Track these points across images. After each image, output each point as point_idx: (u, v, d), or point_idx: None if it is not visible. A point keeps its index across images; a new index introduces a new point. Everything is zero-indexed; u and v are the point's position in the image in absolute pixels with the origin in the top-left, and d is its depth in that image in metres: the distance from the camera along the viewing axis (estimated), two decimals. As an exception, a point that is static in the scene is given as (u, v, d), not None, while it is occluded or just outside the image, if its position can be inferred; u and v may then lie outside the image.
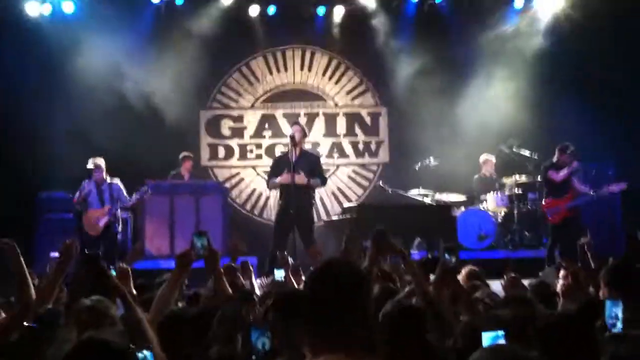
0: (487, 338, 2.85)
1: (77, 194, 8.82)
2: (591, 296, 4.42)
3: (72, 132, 10.05)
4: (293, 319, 2.95)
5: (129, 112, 10.61)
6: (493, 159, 10.46)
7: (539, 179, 9.63)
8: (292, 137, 8.28)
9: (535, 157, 9.94)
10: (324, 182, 8.60)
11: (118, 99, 10.56)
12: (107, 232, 8.74)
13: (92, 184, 8.79)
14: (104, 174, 8.81)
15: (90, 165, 8.74)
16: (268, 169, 9.05)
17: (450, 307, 3.88)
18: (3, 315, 3.64)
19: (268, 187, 8.97)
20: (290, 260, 5.98)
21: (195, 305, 4.10)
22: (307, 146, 9.06)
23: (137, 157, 10.00)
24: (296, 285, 5.09)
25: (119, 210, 8.89)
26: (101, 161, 8.81)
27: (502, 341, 2.85)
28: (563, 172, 8.73)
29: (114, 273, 4.04)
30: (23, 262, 3.80)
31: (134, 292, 4.27)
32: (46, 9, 10.68)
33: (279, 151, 10.99)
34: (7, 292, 4.60)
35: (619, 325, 3.40)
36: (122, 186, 8.91)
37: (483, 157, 10.49)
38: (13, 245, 3.80)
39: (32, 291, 3.76)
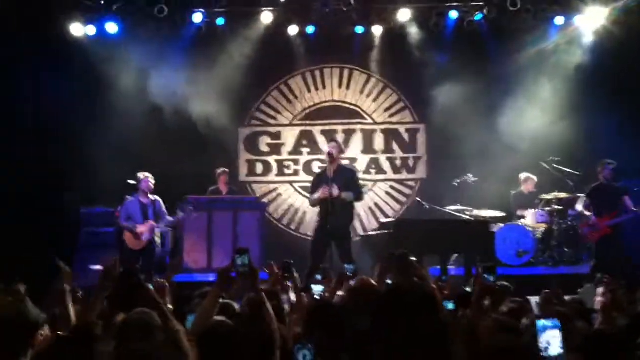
0: (542, 324, 2.88)
1: (121, 209, 8.99)
2: (636, 312, 4.35)
3: (114, 149, 10.27)
4: (333, 331, 2.95)
5: (170, 129, 10.82)
6: (535, 178, 10.34)
7: (579, 195, 9.56)
8: (330, 154, 8.37)
9: (577, 173, 9.84)
10: (358, 196, 8.56)
11: (159, 117, 10.77)
12: (148, 246, 8.89)
13: (136, 201, 8.95)
14: (151, 184, 8.97)
15: (140, 176, 8.93)
16: (305, 185, 9.10)
17: (488, 327, 3.80)
18: (48, 330, 3.71)
19: (310, 204, 9.00)
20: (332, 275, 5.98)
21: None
22: (345, 162, 9.07)
23: (177, 174, 10.19)
24: (336, 297, 5.02)
25: (160, 227, 9.03)
26: (149, 175, 9.00)
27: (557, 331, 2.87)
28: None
29: (151, 287, 4.08)
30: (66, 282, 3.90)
31: (170, 306, 4.30)
32: (90, 30, 10.95)
33: (316, 167, 11.06)
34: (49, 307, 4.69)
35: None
36: (162, 204, 9.06)
37: (524, 176, 10.38)
38: (68, 270, 3.91)
39: (71, 307, 3.83)
